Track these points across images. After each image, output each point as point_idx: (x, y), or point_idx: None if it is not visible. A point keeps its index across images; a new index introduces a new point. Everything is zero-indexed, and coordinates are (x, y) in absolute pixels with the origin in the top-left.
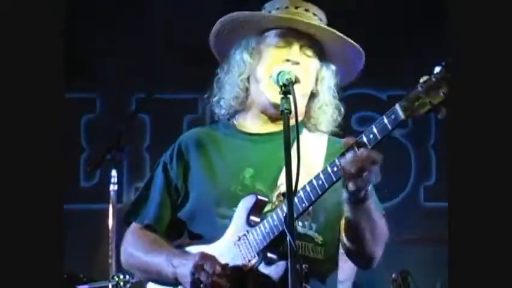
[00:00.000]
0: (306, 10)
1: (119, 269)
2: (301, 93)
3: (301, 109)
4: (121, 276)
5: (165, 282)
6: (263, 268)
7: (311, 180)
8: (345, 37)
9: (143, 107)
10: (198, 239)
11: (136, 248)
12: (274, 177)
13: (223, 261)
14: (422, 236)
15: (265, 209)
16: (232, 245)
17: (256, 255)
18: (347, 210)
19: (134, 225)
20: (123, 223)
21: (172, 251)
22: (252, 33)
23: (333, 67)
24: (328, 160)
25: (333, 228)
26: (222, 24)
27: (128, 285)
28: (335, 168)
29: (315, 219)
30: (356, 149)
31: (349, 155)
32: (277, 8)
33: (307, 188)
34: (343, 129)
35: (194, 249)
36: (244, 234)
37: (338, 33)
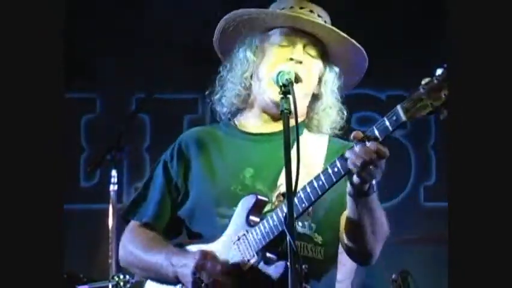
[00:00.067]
0: (311, 11)
1: (119, 269)
2: (303, 92)
3: (302, 109)
4: (121, 276)
5: (164, 281)
6: (262, 268)
7: (311, 181)
8: (349, 38)
9: (143, 107)
10: (197, 238)
11: (135, 246)
12: (274, 177)
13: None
14: (422, 236)
15: (265, 209)
16: (232, 245)
17: (255, 255)
18: (349, 205)
19: (133, 223)
20: (122, 221)
21: (171, 250)
22: (256, 32)
23: (336, 69)
24: (328, 160)
25: (333, 228)
26: (227, 21)
27: (128, 285)
28: (336, 169)
29: (315, 219)
30: (366, 142)
31: (357, 147)
32: (283, 8)
33: (308, 189)
34: (343, 129)
35: (193, 248)
36: (244, 234)
37: (342, 34)
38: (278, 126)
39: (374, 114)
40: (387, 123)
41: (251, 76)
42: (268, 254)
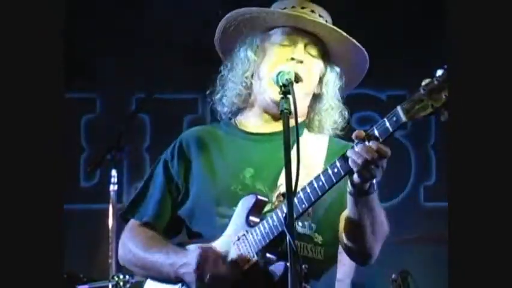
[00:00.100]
0: (312, 11)
1: (119, 268)
2: (303, 92)
3: (303, 109)
4: (121, 276)
5: (164, 280)
6: (262, 268)
7: (311, 181)
8: (350, 38)
9: (143, 107)
10: (197, 237)
11: (134, 245)
12: (275, 177)
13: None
14: (422, 236)
15: (265, 209)
16: (232, 245)
17: (255, 255)
18: (349, 204)
19: (132, 221)
20: (121, 220)
21: (171, 249)
22: (257, 31)
23: (337, 69)
24: (329, 160)
25: (333, 228)
26: (228, 20)
27: (128, 285)
28: (335, 170)
29: (315, 219)
30: (367, 141)
31: (359, 146)
32: (284, 8)
33: (308, 189)
34: (344, 130)
35: (193, 248)
36: (244, 234)
37: (343, 33)
38: (279, 126)
39: (374, 114)
40: (388, 124)
41: (252, 75)
42: (268, 255)
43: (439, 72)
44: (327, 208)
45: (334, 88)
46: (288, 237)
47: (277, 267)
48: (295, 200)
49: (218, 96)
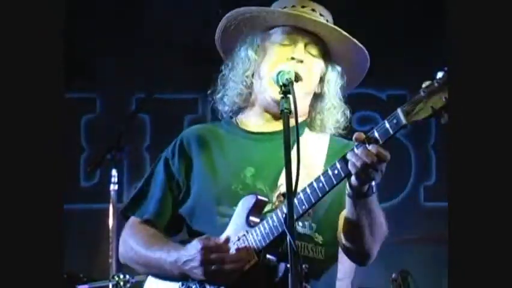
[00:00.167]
0: (313, 10)
1: (120, 268)
2: (303, 91)
3: (303, 108)
4: (121, 276)
5: (167, 277)
6: (262, 269)
7: (312, 183)
8: (350, 37)
9: (143, 107)
10: (197, 236)
11: (136, 242)
12: (275, 177)
13: None
14: (422, 236)
15: (266, 209)
16: (232, 245)
17: (255, 256)
18: (347, 206)
19: (133, 219)
20: (121, 218)
21: (172, 246)
22: (257, 30)
23: (338, 68)
24: (329, 160)
25: (333, 228)
26: (228, 20)
27: (128, 285)
28: (336, 171)
29: (315, 219)
30: (367, 144)
31: (358, 150)
32: (284, 7)
33: (308, 190)
34: (346, 129)
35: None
36: (244, 235)
37: (344, 33)
38: (279, 125)
39: (375, 114)
40: (388, 125)
41: (252, 75)
42: (268, 255)
43: (440, 75)
44: (327, 208)
45: (335, 87)
46: (288, 237)
47: (278, 268)
48: (296, 201)
49: (219, 95)
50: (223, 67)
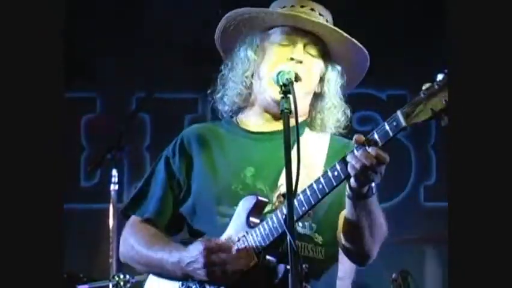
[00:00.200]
0: (312, 9)
1: (120, 268)
2: (303, 91)
3: (304, 108)
4: (121, 276)
5: (168, 277)
6: (262, 269)
7: (311, 184)
8: (350, 38)
9: (143, 107)
10: (198, 236)
11: (136, 241)
12: (275, 177)
13: None
14: (422, 236)
15: (266, 210)
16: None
17: (255, 256)
18: (347, 207)
19: (134, 218)
20: (122, 217)
21: (174, 246)
22: (256, 30)
23: (338, 68)
24: (330, 160)
25: (333, 228)
26: (228, 20)
27: (128, 285)
28: (336, 173)
29: (315, 219)
30: (366, 147)
31: (358, 152)
32: (283, 7)
33: (308, 192)
34: (347, 128)
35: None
36: (244, 235)
37: (343, 33)
38: (279, 125)
39: (375, 114)
40: (388, 127)
41: (252, 75)
42: (268, 256)
43: (440, 77)
44: (327, 208)
45: (336, 86)
46: (288, 237)
47: (278, 268)
48: (295, 202)
49: (219, 95)
50: (222, 67)
